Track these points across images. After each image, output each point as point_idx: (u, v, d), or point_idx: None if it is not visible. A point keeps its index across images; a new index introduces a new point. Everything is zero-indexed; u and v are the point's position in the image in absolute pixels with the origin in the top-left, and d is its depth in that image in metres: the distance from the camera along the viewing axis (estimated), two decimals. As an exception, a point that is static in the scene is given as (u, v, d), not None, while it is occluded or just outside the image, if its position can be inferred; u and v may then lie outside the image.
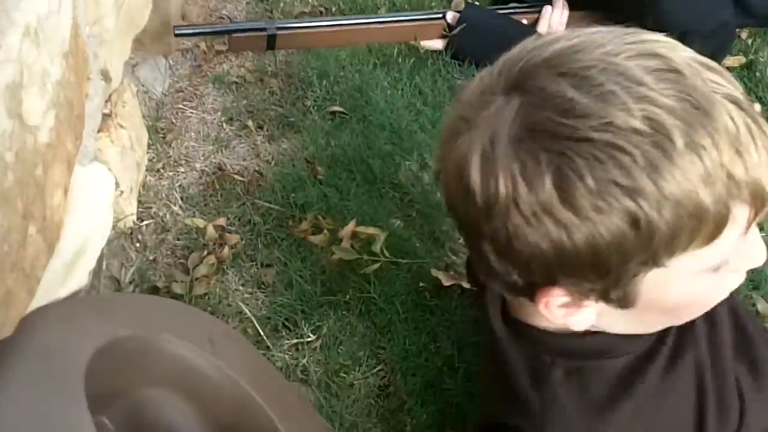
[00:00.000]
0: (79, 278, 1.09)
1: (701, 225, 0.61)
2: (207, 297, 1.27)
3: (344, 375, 1.18)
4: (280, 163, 1.49)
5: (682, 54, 0.62)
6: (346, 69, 1.66)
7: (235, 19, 1.81)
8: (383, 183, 1.46)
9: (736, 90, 0.63)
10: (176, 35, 1.57)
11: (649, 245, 0.61)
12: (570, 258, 0.62)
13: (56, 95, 0.88)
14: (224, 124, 1.58)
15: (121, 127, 1.25)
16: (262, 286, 1.30)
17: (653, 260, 0.64)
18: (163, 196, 1.44)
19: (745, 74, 1.81)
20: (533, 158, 0.60)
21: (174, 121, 1.58)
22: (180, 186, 1.46)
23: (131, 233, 1.37)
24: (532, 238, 0.62)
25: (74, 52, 0.96)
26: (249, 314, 1.23)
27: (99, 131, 1.19)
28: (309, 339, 1.22)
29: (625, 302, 0.70)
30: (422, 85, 1.62)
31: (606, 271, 0.64)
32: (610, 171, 0.58)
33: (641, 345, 0.79)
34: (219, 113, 1.60)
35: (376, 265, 1.27)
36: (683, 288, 0.69)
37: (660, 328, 0.79)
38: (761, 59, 1.84)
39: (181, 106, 1.61)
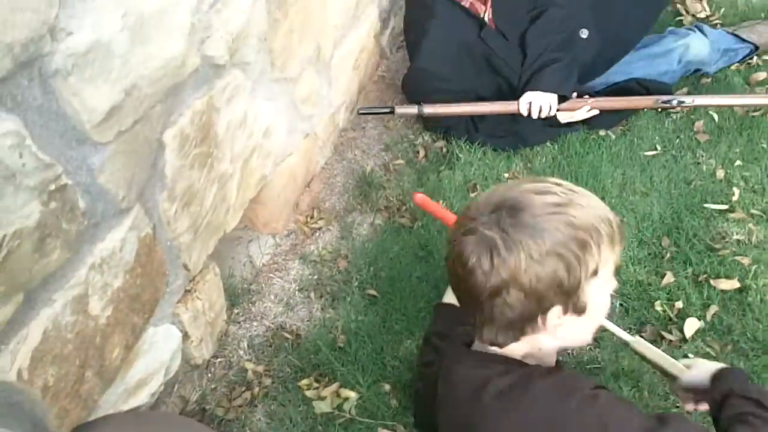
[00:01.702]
0: (141, 399, 1.71)
1: (614, 236, 1.10)
2: (234, 421, 1.85)
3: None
4: (320, 328, 2.05)
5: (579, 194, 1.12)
6: (393, 260, 2.20)
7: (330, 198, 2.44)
8: (386, 354, 1.96)
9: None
10: (359, 113, 2.58)
11: (598, 254, 1.09)
12: (565, 281, 1.07)
13: (116, 296, 1.51)
14: (296, 293, 2.18)
15: (198, 298, 1.88)
16: (273, 420, 1.85)
17: (595, 271, 1.10)
18: (236, 343, 2.05)
19: (736, 297, 2.09)
20: (534, 239, 1.06)
21: (263, 286, 2.20)
22: (249, 336, 2.07)
23: (207, 365, 1.99)
24: (544, 274, 1.06)
25: (144, 263, 1.59)
26: (252, 442, 1.79)
27: (178, 302, 1.82)
28: (289, 468, 1.75)
29: (582, 308, 1.13)
30: (441, 281, 2.12)
31: (577, 285, 1.09)
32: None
33: None
34: (296, 283, 2.20)
35: (343, 419, 1.79)
36: (603, 294, 1.15)
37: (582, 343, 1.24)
38: (754, 285, 2.11)
39: (271, 275, 2.23)
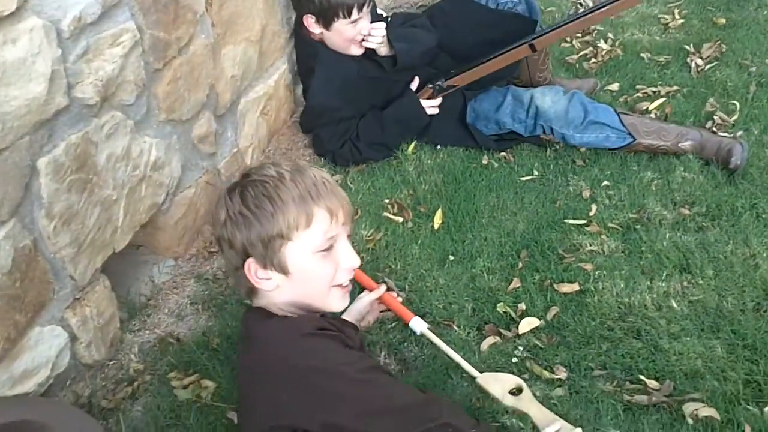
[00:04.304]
0: (27, 387, 2.00)
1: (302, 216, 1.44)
2: (114, 410, 2.13)
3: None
4: (204, 336, 2.34)
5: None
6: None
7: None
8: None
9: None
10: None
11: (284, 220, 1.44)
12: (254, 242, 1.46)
13: (-6, 292, 1.82)
14: (188, 306, 2.48)
15: (87, 306, 2.18)
16: (145, 408, 2.13)
17: (287, 236, 1.44)
18: (128, 348, 2.35)
19: (576, 299, 2.36)
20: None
21: (161, 301, 2.51)
22: (141, 343, 2.36)
23: (101, 367, 2.28)
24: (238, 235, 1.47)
25: (24, 270, 1.90)
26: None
27: (67, 308, 2.13)
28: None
29: (282, 269, 1.47)
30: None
31: (269, 243, 1.44)
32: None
33: None
34: (188, 299, 2.51)
35: (200, 404, 2.07)
36: (309, 261, 1.47)
37: (320, 307, 1.57)
38: (593, 288, 2.38)
39: (168, 291, 2.54)
